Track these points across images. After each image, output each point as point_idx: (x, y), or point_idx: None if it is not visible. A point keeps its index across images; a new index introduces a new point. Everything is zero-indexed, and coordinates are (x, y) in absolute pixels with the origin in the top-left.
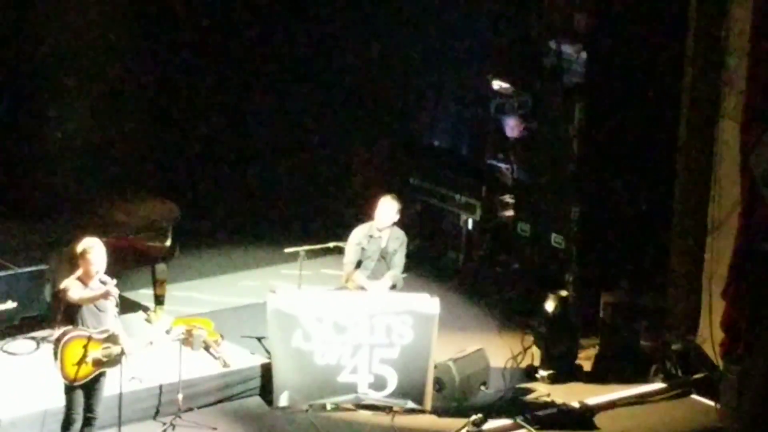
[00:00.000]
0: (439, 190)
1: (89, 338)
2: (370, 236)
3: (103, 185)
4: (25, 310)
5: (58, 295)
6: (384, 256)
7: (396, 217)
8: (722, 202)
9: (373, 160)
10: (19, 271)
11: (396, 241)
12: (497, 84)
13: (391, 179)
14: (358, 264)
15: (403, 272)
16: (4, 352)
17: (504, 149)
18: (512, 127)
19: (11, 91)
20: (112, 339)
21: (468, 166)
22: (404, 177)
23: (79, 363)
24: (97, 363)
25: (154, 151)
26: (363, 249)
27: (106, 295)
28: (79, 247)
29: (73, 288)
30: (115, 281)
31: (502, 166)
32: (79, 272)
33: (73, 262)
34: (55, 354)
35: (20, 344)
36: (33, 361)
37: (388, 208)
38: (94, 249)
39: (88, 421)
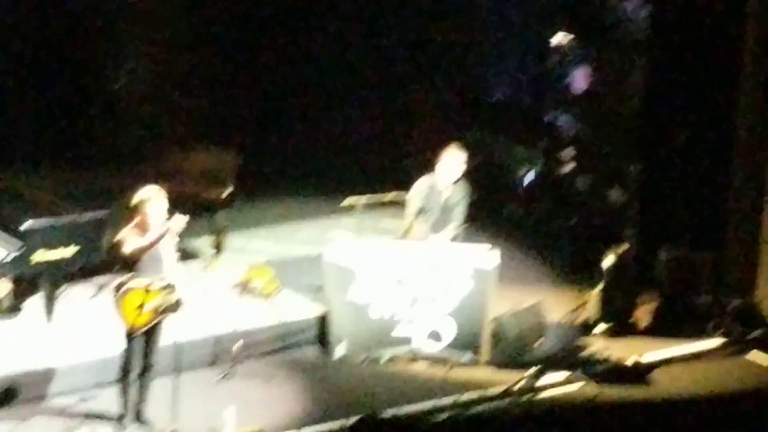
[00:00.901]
0: (499, 143)
1: (148, 287)
2: (433, 188)
3: (165, 133)
4: (85, 256)
5: (117, 246)
6: (446, 209)
7: (461, 171)
8: None
9: (434, 111)
10: (81, 217)
11: (458, 194)
12: (559, 37)
13: (452, 132)
14: (419, 216)
15: (464, 224)
16: (65, 297)
17: (565, 103)
18: (573, 81)
19: None
20: (170, 287)
21: (529, 119)
22: (464, 129)
23: (138, 311)
24: (156, 311)
25: (215, 98)
26: (425, 201)
27: (165, 233)
28: (137, 197)
29: (130, 238)
30: (185, 217)
31: (563, 119)
32: (136, 221)
33: (132, 209)
34: (115, 303)
35: (80, 290)
36: (93, 307)
37: (453, 161)
38: (151, 199)
39: (145, 369)
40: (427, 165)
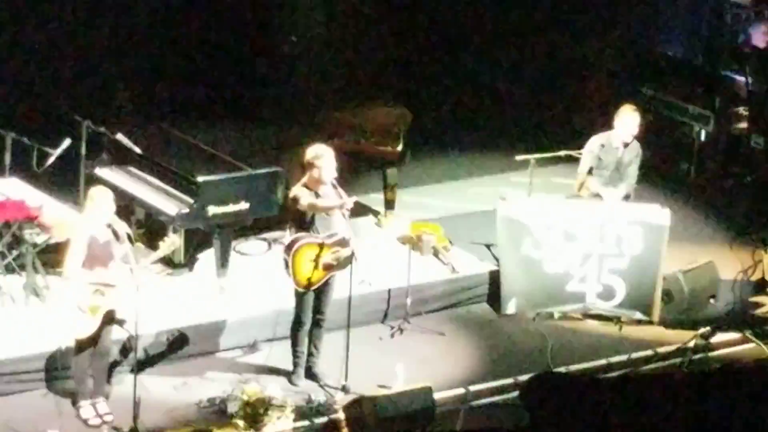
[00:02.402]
0: (671, 101)
1: (320, 244)
2: (608, 146)
3: (337, 90)
4: (258, 212)
5: (290, 203)
6: (618, 167)
7: (636, 130)
8: None
9: (606, 68)
10: (253, 172)
11: (632, 152)
12: None
13: (623, 88)
14: (593, 173)
15: (636, 184)
16: (237, 252)
17: (739, 60)
18: (749, 37)
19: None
20: (342, 242)
21: (702, 76)
22: (636, 86)
23: (310, 268)
24: (328, 267)
25: (387, 55)
26: (599, 159)
27: (340, 207)
28: (309, 154)
29: (303, 196)
30: (353, 198)
31: (737, 77)
32: (307, 178)
33: (304, 166)
34: (286, 260)
35: (253, 245)
36: (265, 262)
37: (631, 121)
38: (323, 157)
39: (317, 323)
40: (599, 123)
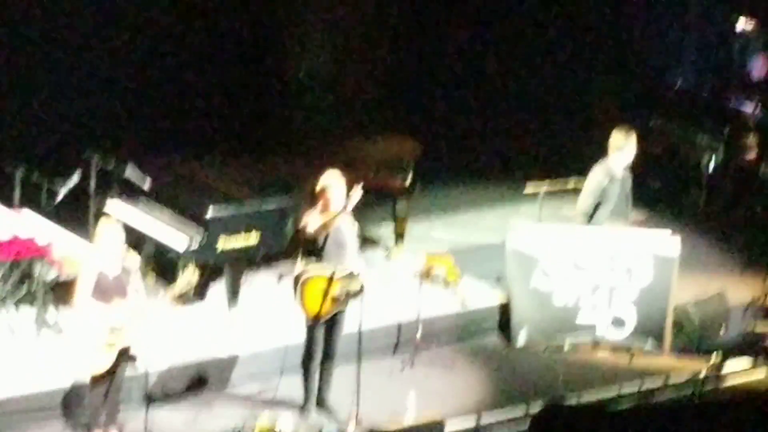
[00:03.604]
0: (680, 131)
1: (330, 276)
2: (612, 176)
3: (345, 122)
4: (267, 245)
5: (300, 233)
6: (622, 194)
7: (633, 155)
8: None
9: (616, 98)
10: (264, 204)
11: (628, 178)
12: (742, 23)
13: (633, 119)
14: (598, 202)
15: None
16: (248, 285)
17: (748, 89)
18: (757, 67)
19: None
20: (353, 275)
21: (710, 106)
22: (645, 116)
23: (320, 299)
24: (337, 300)
25: (396, 87)
26: (603, 187)
27: (346, 207)
28: (320, 183)
29: (311, 224)
30: (360, 190)
31: (746, 106)
32: (319, 206)
33: (313, 197)
34: (296, 291)
35: (262, 278)
36: (276, 294)
37: (634, 143)
38: (333, 186)
39: (328, 355)
40: (604, 151)
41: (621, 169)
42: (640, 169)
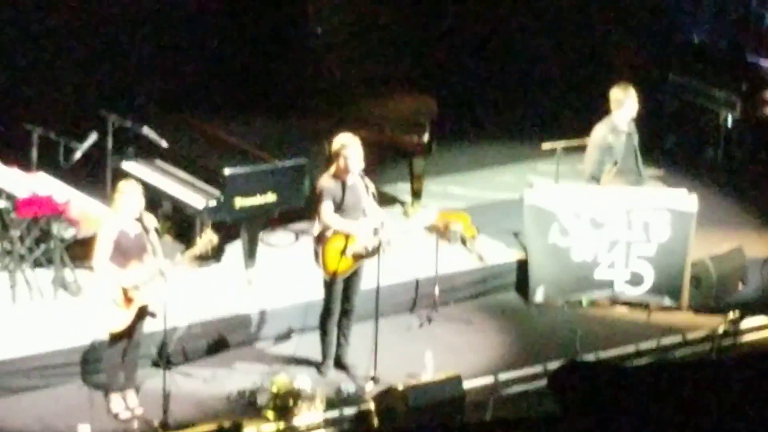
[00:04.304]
0: (698, 86)
1: (347, 233)
2: (615, 132)
3: (363, 80)
4: (284, 203)
5: (316, 193)
6: (628, 152)
7: (636, 110)
8: None
9: (632, 55)
10: (280, 164)
11: (635, 133)
12: None
13: (650, 75)
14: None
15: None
16: (265, 243)
17: (765, 44)
18: None
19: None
20: (372, 231)
21: (728, 61)
22: (663, 73)
23: (340, 256)
24: (357, 256)
25: (413, 45)
26: (610, 147)
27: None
28: (335, 144)
29: (327, 183)
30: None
31: (763, 61)
32: (334, 168)
33: (331, 156)
34: (316, 250)
35: (280, 236)
36: (292, 253)
37: (635, 98)
38: (350, 146)
39: (346, 313)
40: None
41: (624, 125)
42: (656, 125)
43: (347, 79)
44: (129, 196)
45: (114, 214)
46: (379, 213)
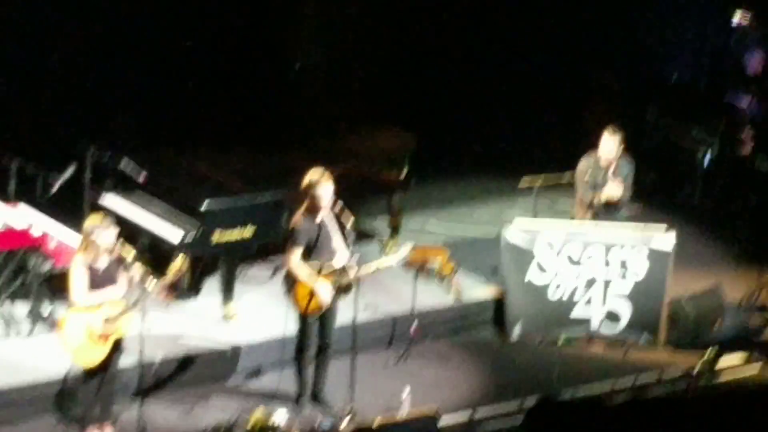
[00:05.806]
0: (676, 125)
1: (317, 271)
2: (595, 166)
3: (342, 114)
4: (263, 238)
5: (291, 230)
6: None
7: (619, 150)
8: None
9: (612, 93)
10: (258, 198)
11: (624, 169)
12: (738, 17)
13: (628, 112)
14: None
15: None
16: (242, 278)
17: (743, 83)
18: (753, 60)
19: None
20: (342, 270)
21: (706, 100)
22: (641, 109)
23: (310, 296)
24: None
25: (390, 80)
26: (591, 177)
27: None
28: (304, 182)
29: (292, 256)
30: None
31: (742, 100)
32: (305, 205)
33: (301, 192)
34: (287, 288)
35: (257, 271)
36: (271, 287)
37: (610, 142)
38: (319, 184)
39: (322, 349)
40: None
41: (602, 162)
42: (636, 163)
43: (326, 113)
44: (96, 236)
45: (81, 253)
46: (346, 252)
